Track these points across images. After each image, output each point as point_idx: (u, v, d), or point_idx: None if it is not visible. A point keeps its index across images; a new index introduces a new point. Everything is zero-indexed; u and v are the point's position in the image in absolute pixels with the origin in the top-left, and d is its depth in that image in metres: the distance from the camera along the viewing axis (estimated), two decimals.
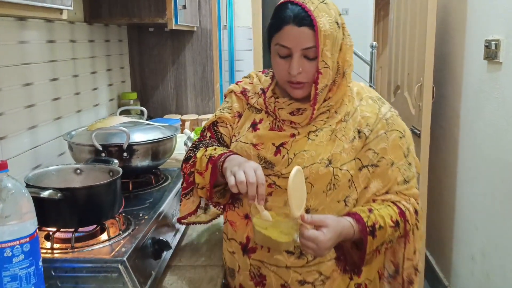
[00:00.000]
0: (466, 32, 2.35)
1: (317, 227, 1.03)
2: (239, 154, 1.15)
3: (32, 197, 0.92)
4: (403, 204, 1.16)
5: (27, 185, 1.07)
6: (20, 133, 1.47)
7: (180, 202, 1.28)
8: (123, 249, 1.10)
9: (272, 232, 1.03)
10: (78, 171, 1.30)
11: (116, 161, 1.33)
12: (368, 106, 1.18)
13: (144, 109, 1.89)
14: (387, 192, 1.16)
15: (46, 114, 1.63)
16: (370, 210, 1.12)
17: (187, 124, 2.40)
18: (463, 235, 2.43)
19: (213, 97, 2.53)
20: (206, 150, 1.19)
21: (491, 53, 2.02)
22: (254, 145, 1.19)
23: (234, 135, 1.26)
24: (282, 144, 1.16)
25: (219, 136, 1.28)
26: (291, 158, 1.14)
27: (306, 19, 1.07)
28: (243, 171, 1.01)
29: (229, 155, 1.13)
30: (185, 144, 1.86)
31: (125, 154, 1.45)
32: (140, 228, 1.23)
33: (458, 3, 2.45)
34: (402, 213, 1.14)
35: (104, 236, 1.18)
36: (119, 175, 1.21)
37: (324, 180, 1.12)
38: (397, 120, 1.19)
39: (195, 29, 2.46)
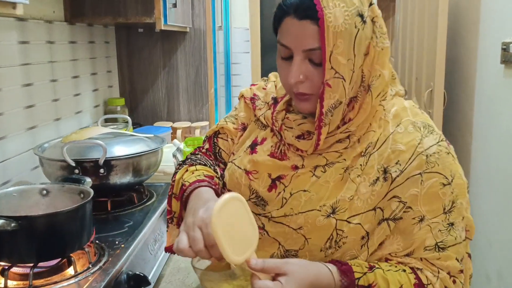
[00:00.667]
0: (480, 34, 2.17)
1: (275, 276, 0.76)
2: (211, 186, 0.91)
3: None
4: (426, 275, 0.82)
5: None
6: None
7: (167, 227, 1.10)
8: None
9: (225, 286, 0.78)
10: (44, 192, 1.13)
11: (88, 180, 1.15)
12: (405, 135, 0.85)
13: (128, 117, 1.72)
14: (407, 255, 0.84)
15: (17, 123, 1.46)
16: (371, 267, 0.82)
17: (179, 132, 2.23)
18: (476, 252, 2.26)
19: (207, 103, 2.36)
20: (186, 171, 0.98)
21: (509, 56, 1.85)
22: (247, 173, 0.93)
23: (233, 153, 1.02)
24: (279, 178, 0.90)
25: (217, 151, 1.06)
26: (285, 198, 0.88)
27: (310, 10, 0.79)
28: (187, 233, 0.78)
29: (197, 187, 0.89)
30: (174, 156, 1.69)
31: (101, 170, 1.28)
32: (114, 260, 1.05)
33: (471, 2, 2.28)
34: (420, 286, 0.82)
35: (70, 271, 1.00)
36: (89, 198, 1.03)
37: (323, 234, 0.84)
38: (446, 159, 0.84)
39: (187, 29, 2.29)
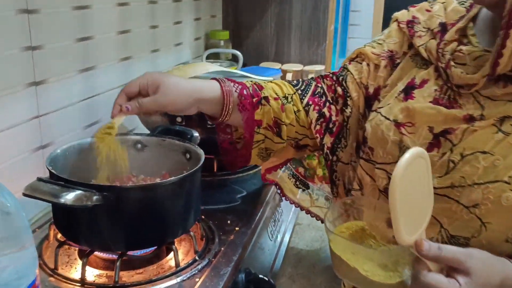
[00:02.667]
0: None
1: (449, 269, 0.57)
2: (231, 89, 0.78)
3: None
4: None
5: (40, 180, 0.61)
6: (71, 75, 1.03)
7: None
8: None
9: (363, 263, 0.59)
10: (139, 145, 0.83)
11: (196, 134, 0.84)
12: None
13: (239, 53, 1.38)
14: None
15: (109, 51, 1.18)
16: None
17: (289, 76, 1.86)
18: None
19: (324, 43, 1.95)
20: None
21: None
22: (399, 125, 0.71)
23: (378, 99, 0.79)
24: (445, 132, 0.67)
25: (344, 74, 0.85)
26: (453, 162, 0.65)
27: None
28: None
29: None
30: None
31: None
32: (228, 251, 0.75)
33: None
34: None
35: (170, 262, 0.71)
36: (200, 163, 0.72)
37: (510, 218, 0.61)
38: None
39: None
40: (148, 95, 0.73)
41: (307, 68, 1.90)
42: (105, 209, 0.62)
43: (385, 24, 2.73)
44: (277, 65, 1.93)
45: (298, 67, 1.91)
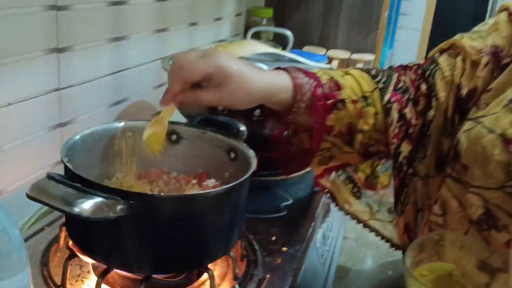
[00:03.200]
0: None
1: None
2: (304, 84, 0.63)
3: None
4: None
5: (51, 177, 0.47)
6: (99, 44, 0.89)
7: None
8: None
9: None
10: (174, 136, 0.69)
11: (243, 128, 0.69)
12: None
13: (289, 33, 1.21)
14: None
15: (143, 20, 1.03)
16: None
17: (335, 64, 1.70)
18: None
19: (375, 30, 1.77)
20: None
21: None
22: (507, 142, 0.55)
23: (475, 105, 0.63)
24: None
25: (431, 68, 0.68)
26: None
27: None
28: None
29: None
30: None
31: (256, 112, 0.81)
32: (276, 280, 0.60)
33: None
34: None
35: None
36: (251, 170, 0.57)
37: None
38: None
39: None
40: (205, 84, 0.58)
41: (355, 56, 1.73)
42: (130, 221, 0.48)
43: (438, 14, 2.52)
44: (322, 50, 1.76)
45: (345, 54, 1.74)
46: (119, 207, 0.47)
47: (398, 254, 0.82)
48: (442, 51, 0.70)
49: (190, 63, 0.58)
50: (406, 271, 0.50)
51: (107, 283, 0.56)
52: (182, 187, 0.64)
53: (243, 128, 0.69)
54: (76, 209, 0.44)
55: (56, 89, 0.81)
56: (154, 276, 0.54)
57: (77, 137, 0.58)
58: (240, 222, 0.59)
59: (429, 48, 2.52)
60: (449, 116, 0.67)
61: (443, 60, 0.69)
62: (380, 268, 0.95)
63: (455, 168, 0.62)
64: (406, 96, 0.67)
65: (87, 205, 0.44)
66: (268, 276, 0.61)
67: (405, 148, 0.67)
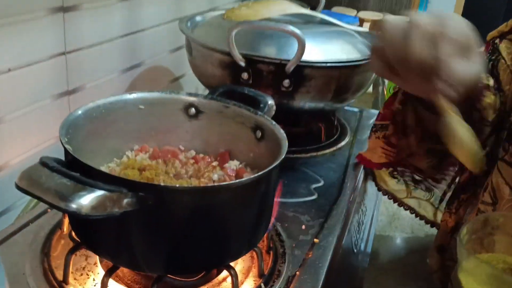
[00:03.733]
0: None
1: None
2: None
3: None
4: None
5: (45, 164, 0.39)
6: (110, 2, 0.79)
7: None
8: None
9: None
10: (193, 110, 0.60)
11: (271, 102, 0.60)
12: None
13: None
14: None
15: None
16: None
17: (366, 25, 1.57)
18: None
19: None
20: None
21: None
22: None
23: None
24: None
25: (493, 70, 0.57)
26: None
27: None
28: None
29: None
30: None
31: (286, 82, 0.72)
32: (307, 278, 0.53)
33: None
34: None
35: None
36: (282, 155, 0.48)
37: None
38: None
39: None
40: None
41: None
42: (140, 216, 0.40)
43: None
44: (352, 12, 1.63)
45: (377, 16, 1.60)
46: (125, 200, 0.39)
47: (431, 236, 0.75)
48: (502, 35, 0.59)
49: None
50: (460, 250, 0.43)
51: (115, 279, 0.49)
52: (201, 170, 0.56)
53: (271, 101, 0.60)
54: (73, 205, 0.36)
55: (62, 53, 0.72)
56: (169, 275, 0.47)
57: (79, 112, 0.50)
58: (269, 214, 0.51)
59: (464, 12, 2.37)
60: (508, 108, 0.57)
61: (503, 48, 0.58)
62: (411, 250, 0.88)
63: (508, 150, 0.53)
64: None
65: (86, 200, 0.36)
66: (297, 272, 0.54)
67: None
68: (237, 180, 0.43)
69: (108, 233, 0.43)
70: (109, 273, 0.46)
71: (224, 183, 0.47)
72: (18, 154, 0.69)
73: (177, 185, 0.44)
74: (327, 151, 0.82)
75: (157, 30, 0.94)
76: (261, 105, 0.59)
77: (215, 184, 0.51)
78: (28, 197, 0.66)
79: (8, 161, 0.67)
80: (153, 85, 0.98)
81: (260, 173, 0.44)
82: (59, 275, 0.49)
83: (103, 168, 0.55)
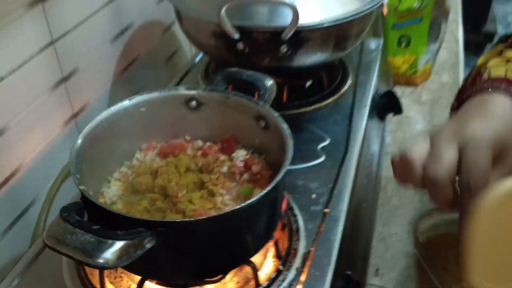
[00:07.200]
0: None
1: None
2: None
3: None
4: None
5: (65, 219, 0.41)
6: None
7: None
8: None
9: None
10: (194, 103, 0.60)
11: (270, 83, 0.59)
12: None
13: None
14: None
15: None
16: None
17: None
18: None
19: None
20: (499, 55, 0.55)
21: None
22: None
23: None
24: None
25: None
26: None
27: None
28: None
29: (493, 89, 0.49)
30: None
31: (283, 48, 0.69)
32: (321, 255, 0.57)
33: None
34: None
35: (244, 283, 0.55)
36: (289, 154, 0.49)
37: None
38: None
39: None
40: None
41: None
42: (162, 246, 0.43)
43: None
44: None
45: None
46: (146, 241, 0.42)
47: None
48: None
49: None
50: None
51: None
52: (210, 165, 0.57)
53: (270, 83, 0.60)
54: (100, 261, 0.39)
55: (50, 43, 0.70)
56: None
57: (79, 140, 0.51)
58: (280, 205, 0.54)
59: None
60: None
61: None
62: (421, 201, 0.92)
63: None
64: None
65: (110, 254, 0.39)
66: (312, 249, 0.58)
67: None
68: (246, 203, 0.45)
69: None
70: (140, 284, 0.51)
71: (236, 207, 0.47)
72: (29, 152, 0.70)
73: (193, 219, 0.46)
74: (330, 99, 0.82)
75: None
76: (261, 92, 0.58)
77: (226, 211, 0.50)
78: (50, 183, 0.70)
79: (21, 162, 0.69)
80: (147, 42, 0.95)
81: (266, 190, 0.46)
82: (95, 281, 0.54)
83: (116, 175, 0.57)
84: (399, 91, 1.04)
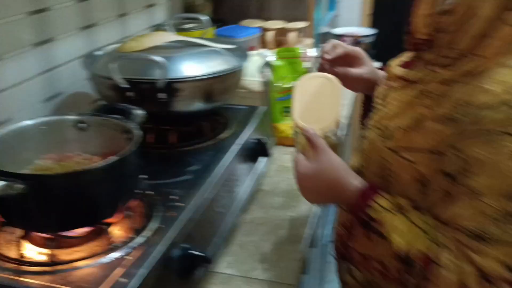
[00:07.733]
0: None
1: (312, 146, 0.77)
2: None
3: None
4: (445, 254, 0.63)
5: None
6: (26, 49, 1.03)
7: None
8: (128, 275, 0.67)
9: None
10: (81, 125, 0.84)
11: (138, 112, 0.84)
12: (502, 74, 0.60)
13: (206, 18, 1.34)
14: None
15: (68, 20, 1.16)
16: (400, 207, 0.68)
17: (270, 35, 1.83)
18: None
19: None
20: None
21: None
22: None
23: None
24: None
25: None
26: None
27: None
28: None
29: None
30: (261, 72, 1.32)
31: (161, 95, 0.96)
32: (165, 228, 0.77)
33: None
34: (426, 260, 0.64)
35: (103, 242, 0.74)
36: (134, 148, 0.73)
37: (377, 160, 0.74)
38: None
39: None
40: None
41: (289, 25, 1.85)
42: (31, 195, 0.64)
43: None
44: (258, 23, 1.88)
45: (280, 24, 1.86)
46: (16, 185, 0.63)
47: None
48: None
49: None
50: None
51: (32, 242, 0.73)
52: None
53: (138, 111, 0.85)
54: None
55: None
56: (65, 233, 0.72)
57: None
58: (132, 185, 0.76)
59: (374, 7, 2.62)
60: None
61: None
62: (286, 214, 1.11)
63: None
64: None
65: None
66: (163, 226, 0.78)
67: None
68: (90, 166, 0.68)
69: (14, 208, 0.67)
70: (24, 236, 0.70)
71: (82, 168, 0.71)
72: None
73: (52, 173, 0.68)
74: (211, 142, 1.06)
75: (72, 64, 1.18)
76: (131, 116, 0.83)
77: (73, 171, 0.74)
78: None
79: None
80: (77, 109, 1.21)
81: (108, 162, 0.68)
82: None
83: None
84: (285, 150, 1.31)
